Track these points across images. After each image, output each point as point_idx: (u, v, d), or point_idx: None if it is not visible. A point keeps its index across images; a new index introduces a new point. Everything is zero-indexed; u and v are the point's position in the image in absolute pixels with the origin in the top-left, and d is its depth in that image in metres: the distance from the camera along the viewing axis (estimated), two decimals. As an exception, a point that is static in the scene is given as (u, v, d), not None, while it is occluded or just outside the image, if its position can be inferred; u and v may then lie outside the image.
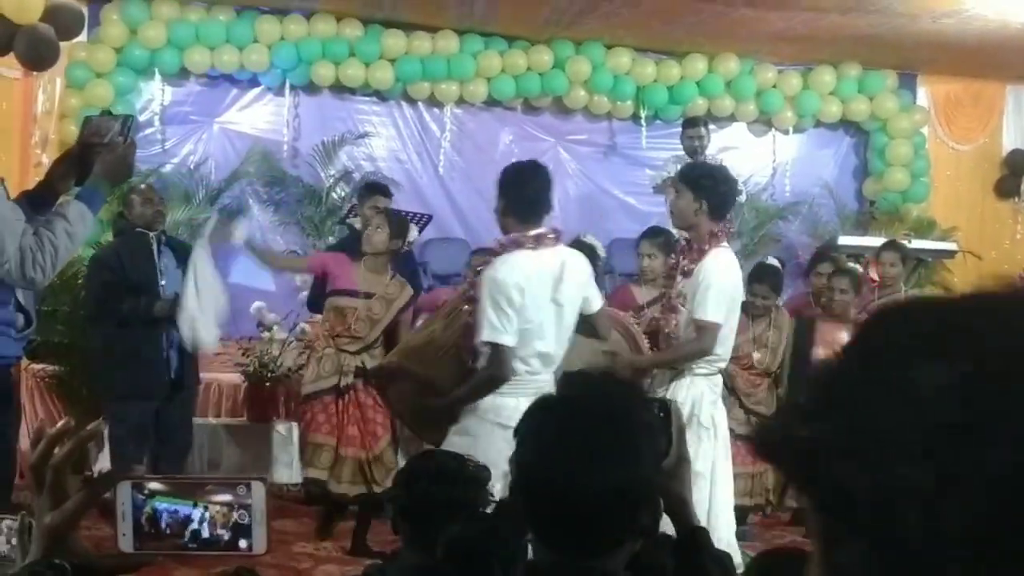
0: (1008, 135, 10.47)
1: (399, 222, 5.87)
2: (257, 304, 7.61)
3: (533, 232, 4.04)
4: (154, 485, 1.24)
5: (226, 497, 1.22)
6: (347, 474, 5.67)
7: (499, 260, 4.06)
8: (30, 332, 3.60)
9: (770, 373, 6.36)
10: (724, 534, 4.64)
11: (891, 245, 7.00)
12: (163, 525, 1.23)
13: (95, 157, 3.42)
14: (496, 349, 3.95)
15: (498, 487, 3.28)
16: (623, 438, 1.53)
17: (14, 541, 1.57)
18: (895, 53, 9.36)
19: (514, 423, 4.14)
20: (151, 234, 5.85)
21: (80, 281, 7.13)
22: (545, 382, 4.04)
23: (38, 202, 3.54)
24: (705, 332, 4.58)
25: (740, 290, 4.85)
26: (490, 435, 3.87)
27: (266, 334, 7.41)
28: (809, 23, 8.45)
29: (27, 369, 6.83)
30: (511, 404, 3.91)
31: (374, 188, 6.81)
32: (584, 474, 1.48)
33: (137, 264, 5.78)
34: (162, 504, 1.23)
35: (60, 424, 1.24)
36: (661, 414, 1.90)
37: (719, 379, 4.82)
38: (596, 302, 4.28)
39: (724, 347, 4.77)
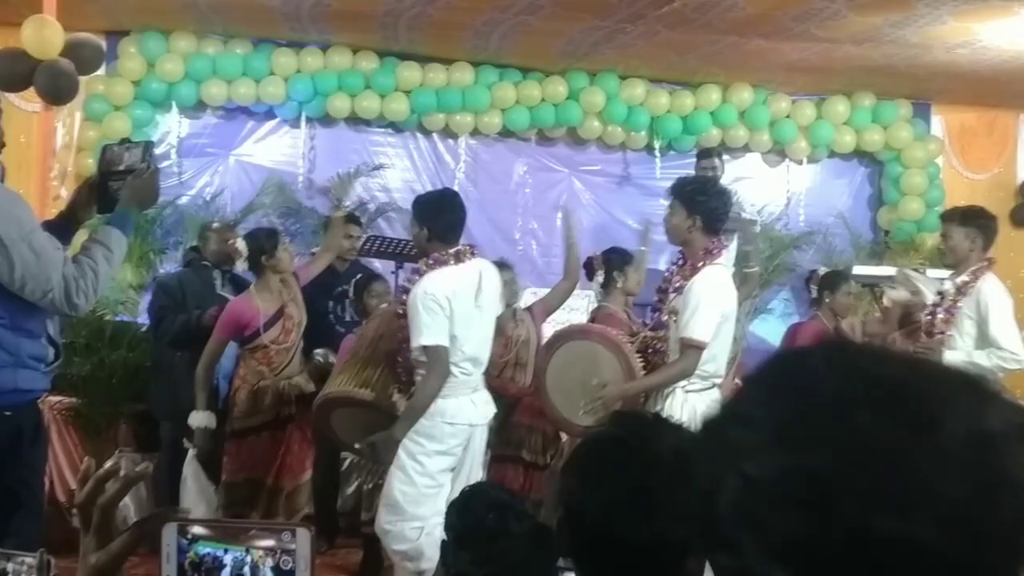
0: (1022, 164, 10.46)
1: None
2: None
3: (453, 250, 4.58)
4: (198, 528, 1.25)
5: (270, 542, 1.22)
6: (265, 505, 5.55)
7: (426, 276, 4.53)
8: (58, 365, 3.62)
9: None
10: None
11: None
12: (206, 569, 1.23)
13: (116, 185, 3.47)
14: (435, 351, 4.41)
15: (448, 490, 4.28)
16: (675, 483, 1.51)
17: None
18: (909, 83, 9.37)
19: (458, 420, 4.43)
20: (215, 270, 6.07)
21: (98, 314, 7.19)
22: (477, 382, 4.66)
23: (60, 231, 3.58)
24: (689, 352, 4.60)
25: (733, 306, 4.82)
26: (442, 432, 4.49)
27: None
28: (823, 54, 8.48)
29: (44, 402, 6.85)
30: (454, 404, 4.51)
31: (349, 219, 6.94)
32: (635, 519, 1.46)
33: (196, 293, 5.97)
34: (206, 548, 1.23)
35: (108, 464, 1.25)
36: None
37: (715, 393, 4.79)
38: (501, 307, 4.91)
39: (717, 363, 4.81)
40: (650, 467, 1.51)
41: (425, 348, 4.43)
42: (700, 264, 4.66)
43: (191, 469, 5.55)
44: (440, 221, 4.62)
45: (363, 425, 4.77)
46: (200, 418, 5.40)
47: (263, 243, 5.69)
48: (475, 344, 4.58)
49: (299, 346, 5.77)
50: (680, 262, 4.86)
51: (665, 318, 4.79)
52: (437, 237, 4.60)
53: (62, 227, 3.62)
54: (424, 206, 4.73)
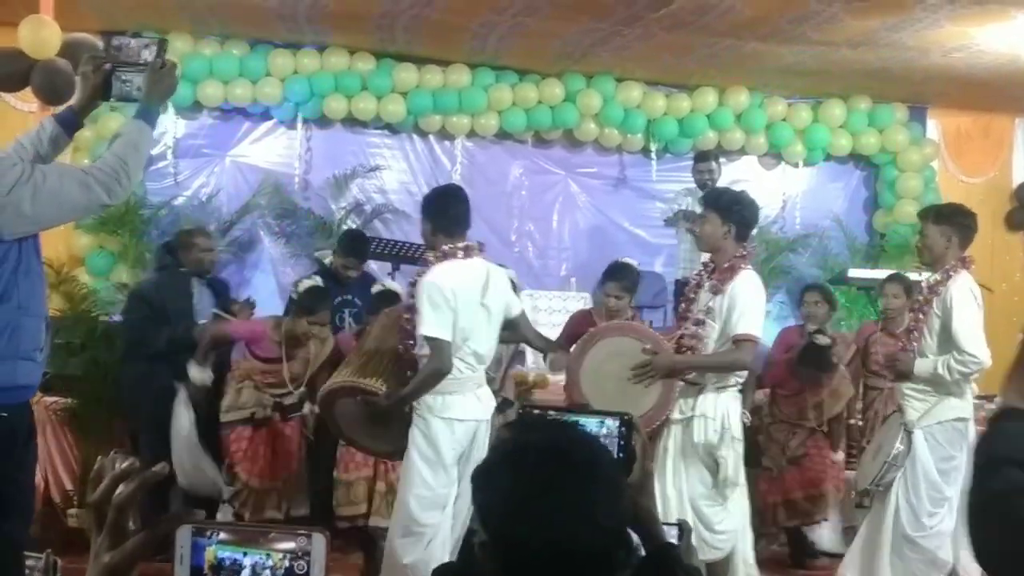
0: (1018, 168, 10.47)
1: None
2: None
3: (461, 244, 4.65)
4: (213, 531, 1.24)
5: (286, 546, 1.22)
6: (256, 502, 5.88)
7: (434, 268, 4.61)
8: (47, 352, 3.58)
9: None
10: (742, 547, 4.82)
11: (895, 277, 7.02)
12: (220, 571, 1.22)
13: (127, 77, 3.57)
14: (437, 343, 4.50)
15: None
16: (589, 485, 1.51)
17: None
18: (905, 87, 9.39)
19: (462, 416, 4.50)
20: (193, 277, 6.03)
21: (93, 315, 7.17)
22: (480, 378, 4.75)
23: (70, 121, 3.68)
24: (745, 346, 4.80)
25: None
26: (444, 430, 4.55)
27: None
28: (819, 57, 8.49)
29: (39, 402, 6.82)
30: (458, 401, 4.61)
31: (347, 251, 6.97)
32: (558, 529, 1.46)
33: (176, 302, 5.96)
34: (221, 550, 1.22)
35: (125, 464, 1.24)
36: (623, 428, 1.91)
37: (739, 394, 4.99)
38: (517, 307, 4.98)
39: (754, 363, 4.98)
40: (568, 475, 1.51)
41: (427, 339, 4.53)
42: (737, 266, 4.85)
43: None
44: (445, 215, 4.71)
45: (366, 418, 4.78)
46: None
47: (321, 303, 5.88)
48: (481, 341, 4.66)
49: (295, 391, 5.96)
50: (710, 267, 4.98)
51: (701, 317, 4.86)
52: (443, 231, 4.68)
53: (68, 118, 3.68)
54: (429, 201, 4.84)
